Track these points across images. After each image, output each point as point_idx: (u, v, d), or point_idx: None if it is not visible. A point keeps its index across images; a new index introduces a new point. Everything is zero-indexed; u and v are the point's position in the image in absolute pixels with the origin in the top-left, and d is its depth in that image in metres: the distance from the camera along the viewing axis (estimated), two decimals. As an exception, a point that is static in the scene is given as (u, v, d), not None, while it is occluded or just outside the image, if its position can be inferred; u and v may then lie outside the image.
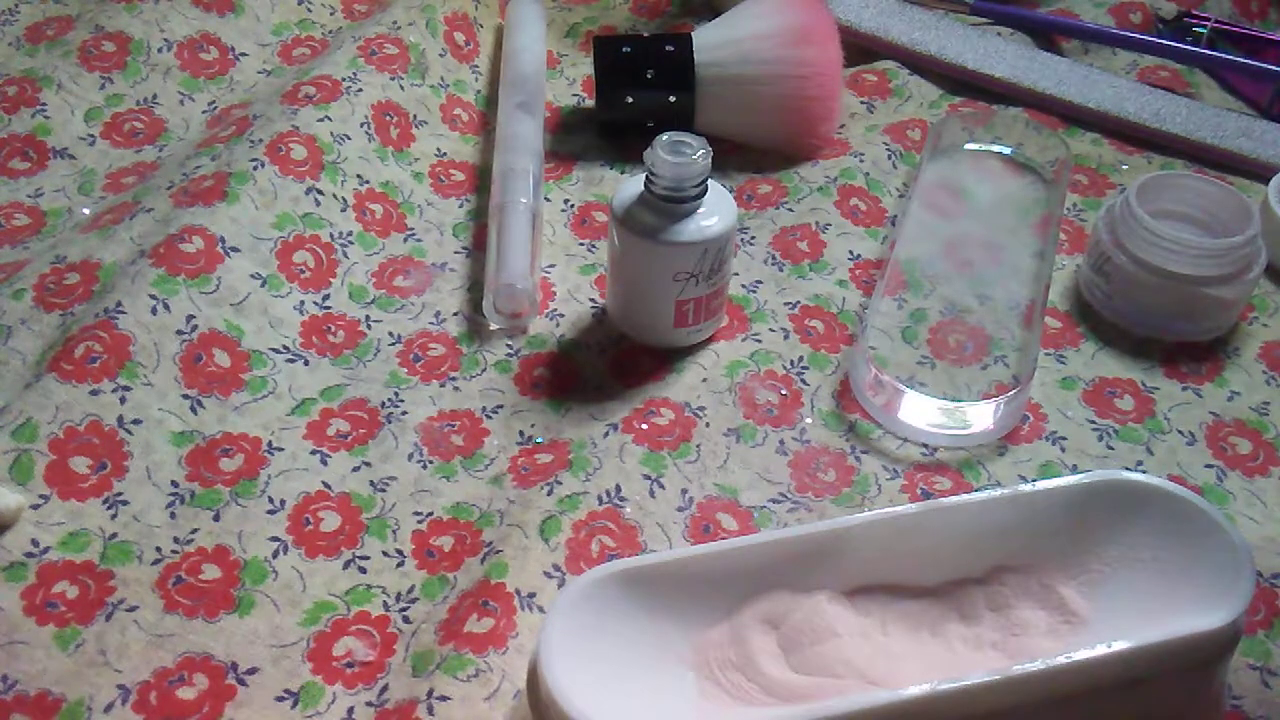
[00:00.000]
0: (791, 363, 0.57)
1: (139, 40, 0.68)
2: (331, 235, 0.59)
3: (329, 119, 0.62)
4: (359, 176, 0.62)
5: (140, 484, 0.49)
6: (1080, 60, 0.76)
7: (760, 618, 0.44)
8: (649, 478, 0.51)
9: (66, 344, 0.51)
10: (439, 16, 0.71)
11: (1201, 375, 0.57)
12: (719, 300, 0.56)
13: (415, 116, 0.66)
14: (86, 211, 0.61)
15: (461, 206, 0.64)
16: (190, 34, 0.70)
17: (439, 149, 0.67)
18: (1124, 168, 0.69)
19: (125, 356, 0.51)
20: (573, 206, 0.65)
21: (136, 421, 0.50)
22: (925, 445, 0.54)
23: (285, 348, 0.55)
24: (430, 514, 0.50)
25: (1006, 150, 0.68)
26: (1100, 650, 0.39)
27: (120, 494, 0.48)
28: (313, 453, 0.51)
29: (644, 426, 0.53)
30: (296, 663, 0.45)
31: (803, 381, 0.56)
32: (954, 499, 0.45)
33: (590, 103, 0.72)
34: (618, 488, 0.50)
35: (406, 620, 0.46)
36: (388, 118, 0.65)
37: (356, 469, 0.51)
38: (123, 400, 0.50)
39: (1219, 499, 0.52)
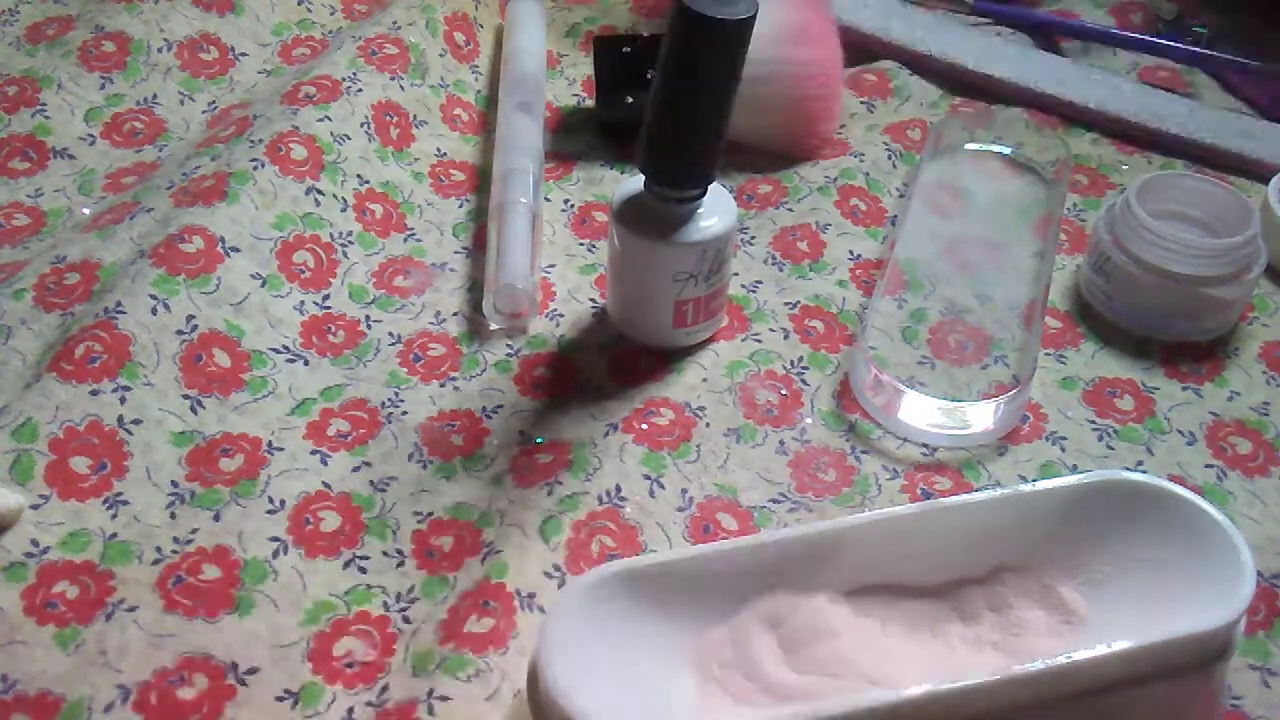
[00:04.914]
0: (791, 363, 0.57)
1: (139, 40, 0.68)
2: (331, 235, 0.59)
3: (329, 119, 0.62)
4: (359, 176, 0.62)
5: (140, 484, 0.49)
6: (1080, 60, 0.76)
7: (760, 618, 0.44)
8: (649, 478, 0.51)
9: (66, 344, 0.51)
10: (439, 16, 0.71)
11: (1201, 375, 0.57)
12: (719, 300, 0.56)
13: (415, 116, 0.66)
14: (86, 211, 0.61)
15: (461, 206, 0.64)
16: (190, 34, 0.70)
17: (439, 149, 0.67)
18: (1124, 168, 0.69)
19: (125, 356, 0.51)
20: (573, 206, 0.65)
21: (136, 421, 0.50)
22: (925, 445, 0.54)
23: (285, 348, 0.55)
24: (430, 514, 0.50)
25: (1006, 150, 0.68)
26: (1100, 650, 0.39)
27: (120, 494, 0.48)
28: (313, 453, 0.51)
29: (644, 426, 0.53)
30: (296, 663, 0.45)
31: (803, 381, 0.56)
32: (954, 499, 0.45)
33: (590, 103, 0.72)
34: (618, 488, 0.50)
35: (406, 620, 0.46)
36: (388, 118, 0.65)
37: (356, 469, 0.51)
38: (123, 400, 0.50)
39: (1219, 499, 0.52)
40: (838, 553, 0.44)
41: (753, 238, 0.63)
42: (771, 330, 0.58)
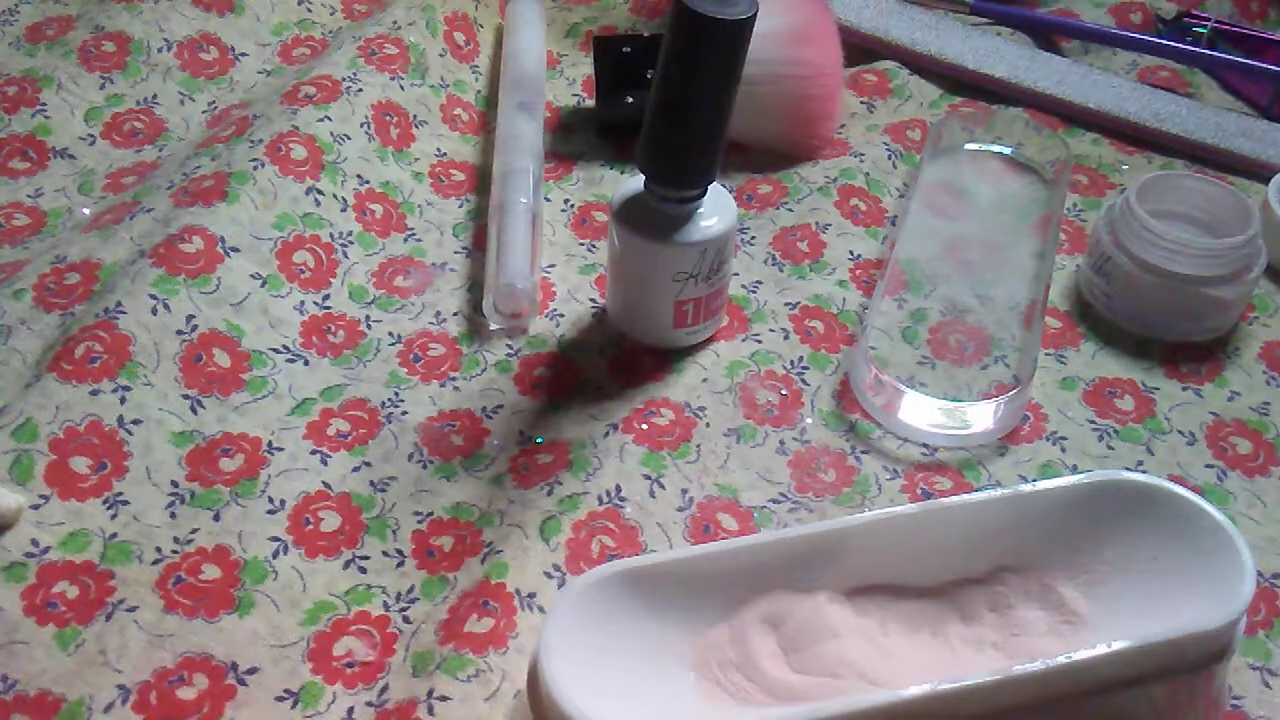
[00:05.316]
0: (791, 363, 0.57)
1: (139, 40, 0.68)
2: (331, 235, 0.59)
3: (329, 119, 0.62)
4: (359, 176, 0.62)
5: (140, 484, 0.49)
6: (1080, 60, 0.76)
7: (761, 618, 0.44)
8: (649, 478, 0.51)
9: (66, 344, 0.51)
10: (439, 16, 0.71)
11: (1201, 375, 0.57)
12: (719, 300, 0.56)
13: (415, 116, 0.66)
14: (86, 211, 0.61)
15: (461, 206, 0.64)
16: (190, 34, 0.70)
17: (439, 149, 0.67)
18: (1124, 168, 0.69)
19: (125, 356, 0.51)
20: (573, 206, 0.65)
21: (136, 421, 0.50)
22: (925, 445, 0.54)
23: (285, 348, 0.55)
24: (430, 514, 0.50)
25: (1006, 150, 0.68)
26: (1100, 650, 0.39)
27: (120, 494, 0.48)
28: (313, 453, 0.51)
29: (644, 426, 0.53)
30: (296, 663, 0.45)
31: (803, 381, 0.56)
32: (954, 499, 0.45)
33: (590, 103, 0.72)
34: (618, 488, 0.50)
35: (406, 620, 0.46)
36: (388, 118, 0.65)
37: (356, 469, 0.51)
38: (123, 400, 0.50)
39: (1219, 499, 0.52)
40: (838, 553, 0.44)
41: (753, 238, 0.63)
42: (771, 330, 0.58)
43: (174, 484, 0.49)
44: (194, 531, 0.48)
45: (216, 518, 0.48)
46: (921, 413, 0.53)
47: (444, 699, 0.42)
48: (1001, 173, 0.68)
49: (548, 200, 0.65)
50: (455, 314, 0.58)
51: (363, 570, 0.48)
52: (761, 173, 0.67)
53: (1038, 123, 0.68)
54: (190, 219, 0.56)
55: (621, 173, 0.67)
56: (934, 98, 0.72)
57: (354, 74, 0.65)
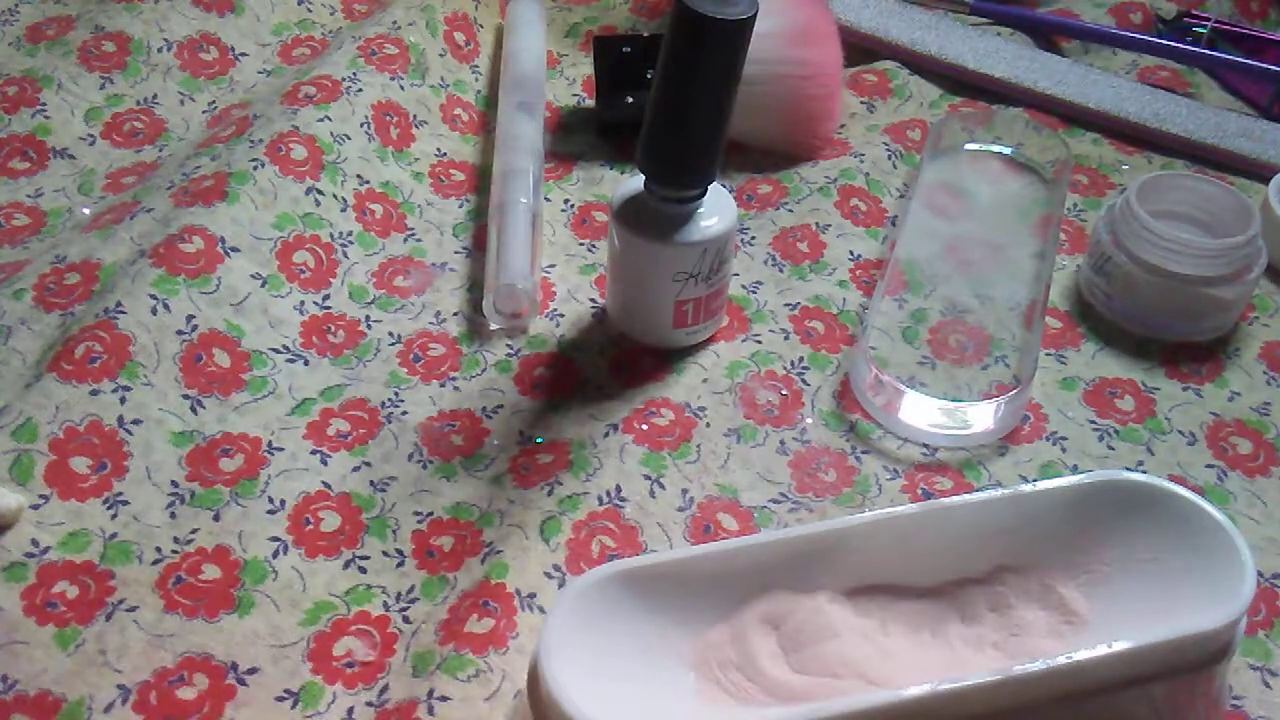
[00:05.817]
0: (792, 363, 0.57)
1: (139, 40, 0.68)
2: (331, 235, 0.59)
3: (329, 119, 0.62)
4: (359, 176, 0.62)
5: (140, 484, 0.49)
6: (1080, 60, 0.76)
7: (761, 618, 0.44)
8: (649, 478, 0.51)
9: (66, 344, 0.51)
10: (439, 16, 0.71)
11: (1202, 375, 0.57)
12: (719, 300, 0.56)
13: (415, 116, 0.66)
14: (86, 211, 0.61)
15: (461, 206, 0.64)
16: (190, 34, 0.70)
17: (439, 149, 0.67)
18: (1124, 168, 0.69)
19: (125, 356, 0.51)
20: (573, 206, 0.65)
21: (136, 421, 0.50)
22: (926, 445, 0.54)
23: (285, 348, 0.55)
24: (430, 514, 0.50)
25: (1006, 150, 0.68)
26: (1101, 650, 0.39)
27: (120, 494, 0.48)
28: (313, 453, 0.51)
29: (644, 427, 0.53)
30: (296, 663, 0.45)
31: (803, 382, 0.56)
32: (954, 499, 0.45)
33: (590, 103, 0.72)
34: (618, 488, 0.50)
35: (406, 620, 0.46)
36: (388, 118, 0.65)
37: (356, 469, 0.51)
38: (123, 400, 0.50)
39: (1220, 499, 0.52)
40: (838, 553, 0.44)
41: (753, 238, 0.63)
42: (772, 331, 0.58)
43: (174, 484, 0.49)
44: (194, 531, 0.48)
45: (216, 518, 0.48)
46: (922, 413, 0.53)
47: (444, 699, 0.42)
48: (1001, 173, 0.68)
49: (548, 200, 0.65)
50: (455, 314, 0.58)
51: (363, 570, 0.48)
52: (761, 173, 0.67)
53: (1038, 123, 0.68)
54: (190, 219, 0.56)
55: (621, 173, 0.67)
56: (934, 98, 0.73)
57: (354, 74, 0.65)
